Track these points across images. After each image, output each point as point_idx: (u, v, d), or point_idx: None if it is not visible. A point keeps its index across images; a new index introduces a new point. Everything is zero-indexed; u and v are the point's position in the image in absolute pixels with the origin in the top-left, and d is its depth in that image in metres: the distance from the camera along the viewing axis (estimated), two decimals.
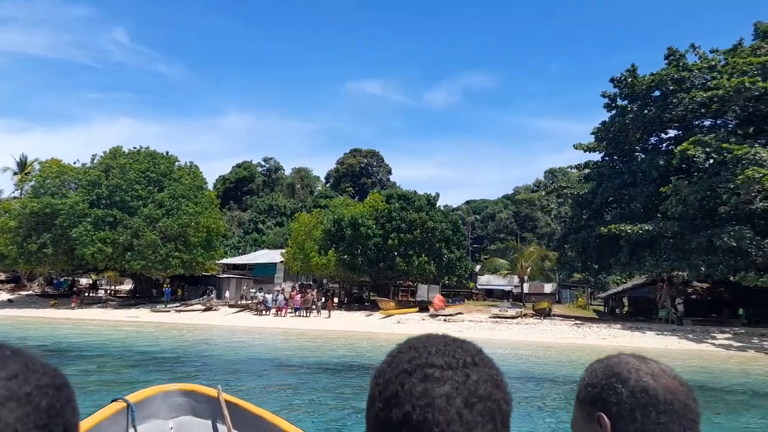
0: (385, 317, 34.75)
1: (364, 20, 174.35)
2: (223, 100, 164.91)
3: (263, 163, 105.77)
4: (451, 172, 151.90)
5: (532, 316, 35.24)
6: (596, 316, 44.98)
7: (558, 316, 36.54)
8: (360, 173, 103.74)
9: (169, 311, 38.10)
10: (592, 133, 42.38)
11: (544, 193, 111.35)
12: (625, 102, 36.07)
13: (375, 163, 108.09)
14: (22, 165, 56.65)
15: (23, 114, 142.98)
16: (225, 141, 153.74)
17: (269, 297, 36.14)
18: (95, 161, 45.08)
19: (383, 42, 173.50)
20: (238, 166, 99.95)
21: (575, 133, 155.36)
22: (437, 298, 35.83)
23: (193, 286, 45.74)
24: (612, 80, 35.51)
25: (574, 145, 42.18)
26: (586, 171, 42.13)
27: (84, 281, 56.56)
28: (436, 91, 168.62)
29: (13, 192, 51.33)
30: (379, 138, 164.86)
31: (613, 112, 36.59)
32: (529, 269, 51.00)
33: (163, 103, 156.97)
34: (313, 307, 35.76)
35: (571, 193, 38.78)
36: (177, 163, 47.26)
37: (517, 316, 34.60)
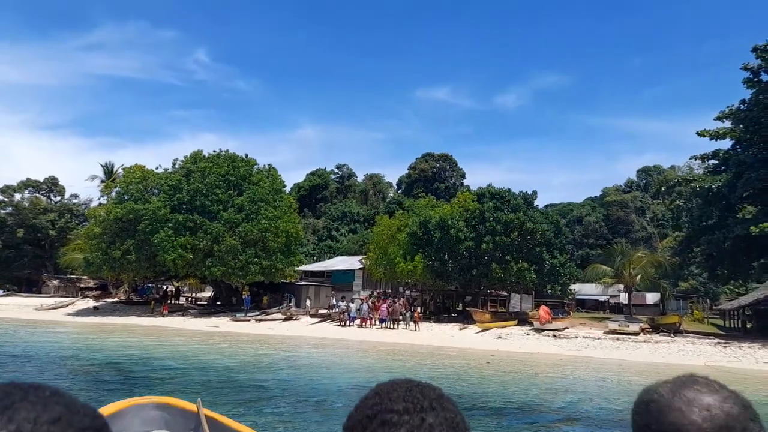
0: (482, 331, 30.79)
1: (428, 26, 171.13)
2: (296, 113, 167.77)
3: (336, 171, 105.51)
4: (524, 176, 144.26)
5: (658, 332, 29.95)
6: (720, 332, 38.55)
7: (691, 332, 30.95)
8: (433, 178, 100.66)
9: (249, 320, 36.24)
10: (719, 118, 36.44)
11: (641, 193, 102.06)
12: None
13: (448, 167, 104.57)
14: (109, 173, 58.03)
15: (115, 132, 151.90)
16: (298, 152, 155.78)
17: (353, 306, 33.25)
18: (176, 166, 44.52)
19: (449, 47, 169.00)
20: (312, 173, 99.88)
21: (660, 131, 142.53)
22: (543, 310, 31.35)
23: (272, 294, 43.97)
24: (755, 50, 29.59)
25: (697, 132, 36.45)
26: (713, 162, 36.16)
27: (168, 288, 56.76)
28: (506, 94, 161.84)
29: (99, 198, 52.16)
30: (449, 144, 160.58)
31: (755, 89, 30.61)
32: (638, 277, 44.92)
33: (241, 118, 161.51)
34: (401, 318, 32.47)
35: (701, 186, 33.00)
36: (255, 167, 45.88)
37: (639, 332, 29.49)
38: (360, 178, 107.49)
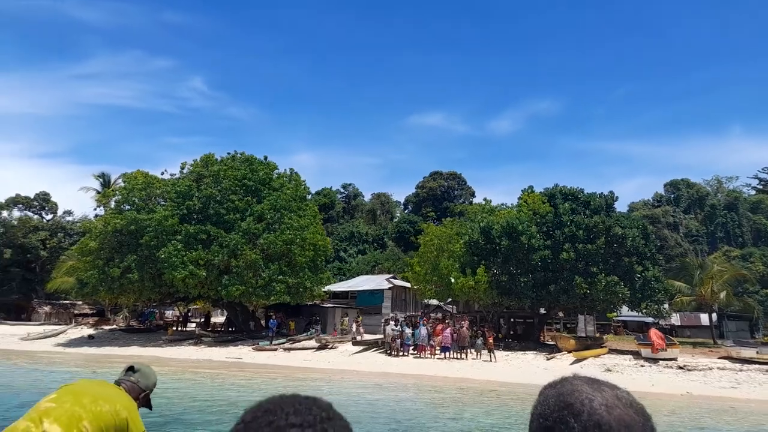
0: (577, 361, 24.44)
1: (421, 53, 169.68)
2: (292, 139, 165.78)
3: (342, 190, 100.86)
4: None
5: None
6: None
7: None
8: (442, 197, 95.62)
9: (276, 349, 29.87)
10: None
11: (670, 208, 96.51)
12: None
13: (457, 185, 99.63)
14: (106, 183, 51.95)
15: (110, 159, 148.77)
16: None
17: (408, 332, 26.88)
18: (185, 170, 38.53)
19: (441, 74, 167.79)
20: (318, 193, 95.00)
21: (650, 155, 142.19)
22: (655, 335, 24.89)
23: (296, 318, 37.62)
24: None
25: None
26: None
27: (170, 313, 50.28)
28: (500, 119, 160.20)
29: (95, 209, 45.93)
30: (443, 168, 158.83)
31: None
32: (722, 294, 38.69)
33: (236, 145, 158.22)
34: (468, 346, 26.11)
35: None
36: (276, 171, 39.94)
37: None
38: (367, 197, 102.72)
